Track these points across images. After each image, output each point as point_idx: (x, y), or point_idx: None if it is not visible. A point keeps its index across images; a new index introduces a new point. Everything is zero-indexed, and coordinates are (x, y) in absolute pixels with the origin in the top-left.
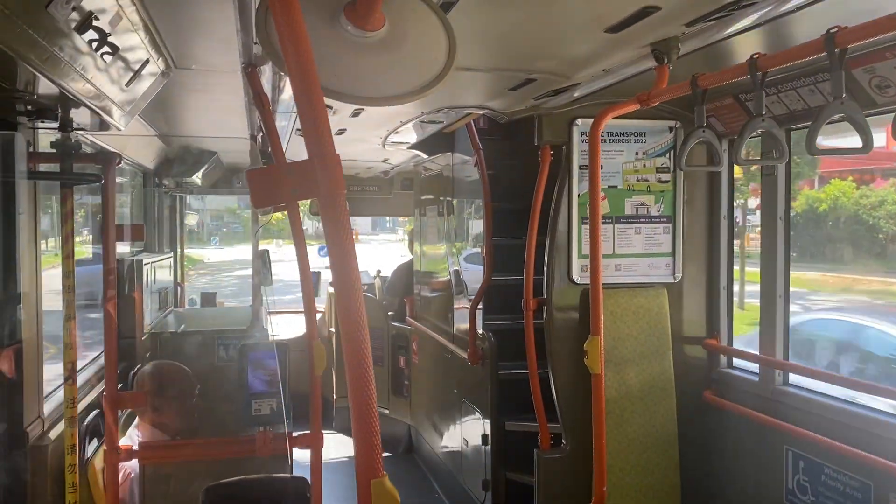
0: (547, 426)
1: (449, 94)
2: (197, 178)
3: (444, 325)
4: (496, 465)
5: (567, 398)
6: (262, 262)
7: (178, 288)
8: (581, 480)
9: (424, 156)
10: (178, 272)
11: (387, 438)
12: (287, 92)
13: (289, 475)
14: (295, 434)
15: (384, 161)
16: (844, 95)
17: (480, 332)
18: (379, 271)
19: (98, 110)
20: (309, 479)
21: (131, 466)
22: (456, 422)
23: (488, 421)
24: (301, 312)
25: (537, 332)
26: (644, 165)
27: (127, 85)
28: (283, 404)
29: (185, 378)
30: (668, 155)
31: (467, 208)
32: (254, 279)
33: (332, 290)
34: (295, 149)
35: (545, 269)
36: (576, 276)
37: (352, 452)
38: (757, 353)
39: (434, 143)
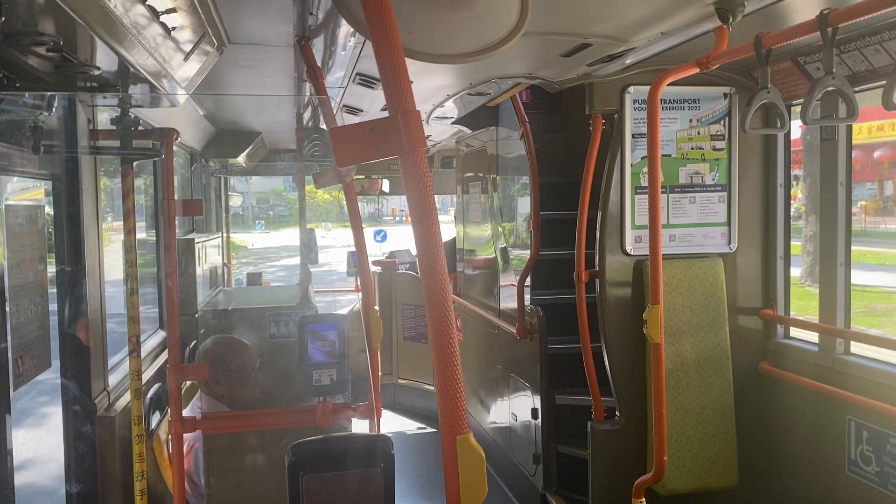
0: (601, 398)
1: (497, 63)
2: (241, 158)
3: (491, 301)
4: (547, 439)
5: (620, 371)
6: (308, 241)
7: (226, 268)
8: (634, 452)
9: (467, 131)
10: (225, 253)
11: (433, 415)
12: (337, 69)
13: (374, 433)
14: (354, 406)
15: (427, 137)
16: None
17: (529, 307)
18: None
19: (157, 85)
20: None
21: (194, 437)
22: (504, 397)
23: (538, 395)
24: (344, 291)
25: (590, 306)
26: (698, 133)
27: (185, 60)
28: (344, 374)
29: (246, 351)
30: (722, 122)
31: (512, 184)
32: (301, 259)
33: (376, 268)
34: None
35: (597, 240)
36: (629, 248)
37: (398, 428)
38: (816, 321)
39: (478, 118)
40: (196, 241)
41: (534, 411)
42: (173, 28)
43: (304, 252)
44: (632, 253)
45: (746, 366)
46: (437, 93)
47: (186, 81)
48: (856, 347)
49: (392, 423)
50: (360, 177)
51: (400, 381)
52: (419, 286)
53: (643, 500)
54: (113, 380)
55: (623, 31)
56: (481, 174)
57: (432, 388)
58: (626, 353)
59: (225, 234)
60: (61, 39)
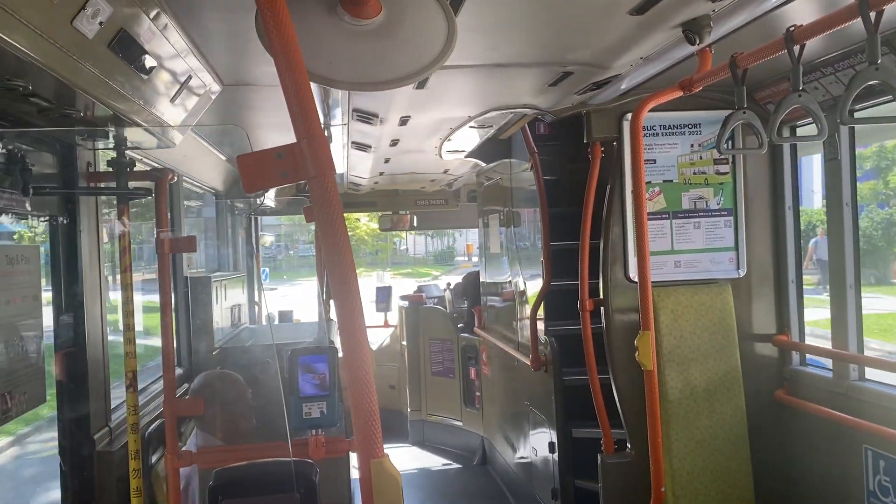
0: (610, 430)
1: (491, 94)
2: (268, 199)
3: (510, 333)
4: (564, 473)
5: (629, 401)
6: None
7: (256, 306)
8: (646, 485)
9: (483, 164)
10: (256, 291)
11: (461, 451)
12: (335, 106)
13: (296, 458)
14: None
15: (445, 172)
16: (880, 60)
17: (542, 338)
18: (449, 284)
19: (148, 128)
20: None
21: (191, 472)
22: (525, 431)
23: (554, 429)
24: (371, 327)
25: (597, 336)
26: (700, 157)
27: (173, 101)
28: (335, 406)
29: (238, 384)
30: (729, 142)
31: (526, 216)
32: (323, 294)
33: (403, 303)
34: (353, 162)
35: (600, 268)
36: (633, 275)
37: (425, 464)
38: (829, 347)
39: (491, 151)
40: (214, 278)
41: (551, 445)
42: (152, 71)
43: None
44: (636, 280)
45: (761, 394)
46: (440, 126)
47: (180, 121)
48: (873, 374)
49: (417, 461)
50: (388, 212)
51: (429, 417)
52: (446, 320)
53: None
54: (118, 416)
55: (600, 56)
56: (499, 207)
57: (461, 423)
58: (634, 383)
59: (256, 271)
60: (53, 99)
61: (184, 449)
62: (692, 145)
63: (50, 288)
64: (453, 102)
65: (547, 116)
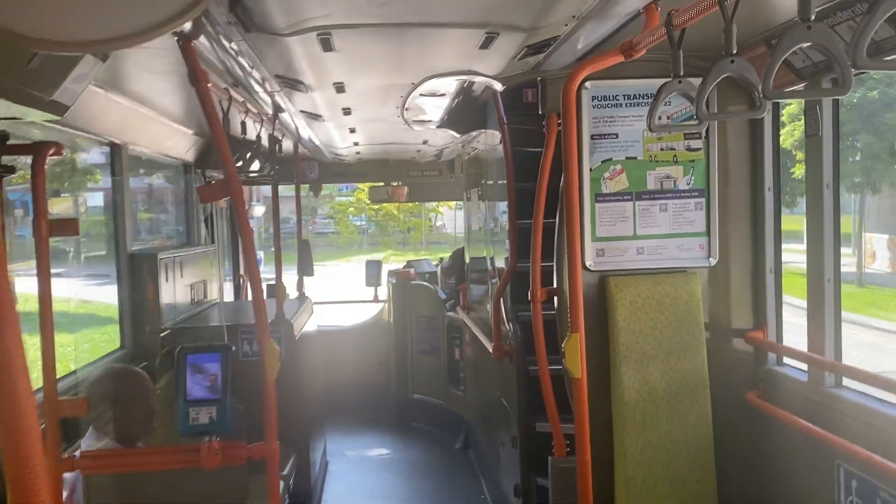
0: (560, 431)
1: (421, 58)
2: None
3: (485, 315)
4: (526, 470)
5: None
6: (303, 252)
7: (241, 280)
8: (601, 492)
9: (457, 135)
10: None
11: (444, 433)
12: (258, 72)
13: None
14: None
15: (425, 143)
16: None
17: (507, 324)
18: (441, 259)
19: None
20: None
21: (76, 478)
22: (495, 421)
23: (517, 422)
24: (347, 303)
25: (551, 325)
26: (669, 132)
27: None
28: (227, 411)
29: (139, 382)
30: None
31: (501, 191)
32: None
33: (392, 279)
34: (317, 132)
35: (554, 254)
36: (590, 262)
37: (408, 446)
38: (805, 350)
39: (466, 121)
40: (161, 255)
41: (513, 439)
42: None
43: (300, 265)
44: (593, 268)
45: (731, 397)
46: (386, 94)
47: (59, 91)
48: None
49: (402, 441)
50: (380, 184)
51: (414, 395)
52: (435, 298)
53: None
54: None
55: (524, 17)
56: (478, 180)
57: (445, 404)
58: (588, 380)
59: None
60: None
61: (65, 456)
62: (660, 118)
63: None
64: (383, 67)
65: (492, 83)
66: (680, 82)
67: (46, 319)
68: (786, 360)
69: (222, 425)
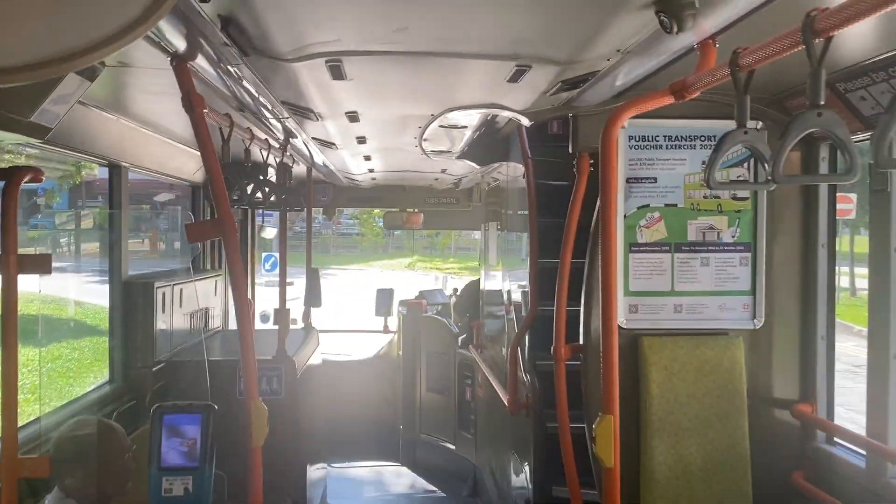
0: (580, 497)
1: (441, 89)
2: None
3: (499, 359)
4: None
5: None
6: (311, 281)
7: (249, 304)
8: None
9: (477, 167)
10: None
11: (452, 477)
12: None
13: None
14: None
15: (443, 171)
16: None
17: (523, 376)
18: (455, 290)
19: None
20: None
21: None
22: (508, 476)
23: (531, 485)
24: (355, 332)
25: (572, 374)
26: (734, 192)
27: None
28: (205, 483)
29: (114, 437)
30: (746, 165)
31: (523, 226)
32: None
33: (402, 310)
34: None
35: (581, 307)
36: (620, 319)
37: (414, 489)
38: (864, 433)
39: (487, 153)
40: (158, 284)
41: (527, 502)
42: None
43: (308, 295)
44: (624, 326)
45: (774, 476)
46: (404, 124)
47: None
48: None
49: (408, 484)
50: (394, 209)
51: (422, 436)
52: (448, 332)
53: None
54: None
55: (560, 50)
56: (497, 212)
57: (454, 447)
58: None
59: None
60: None
61: None
62: (704, 162)
63: None
64: (399, 98)
65: (519, 117)
66: (746, 132)
67: (10, 365)
68: (838, 438)
69: (199, 498)
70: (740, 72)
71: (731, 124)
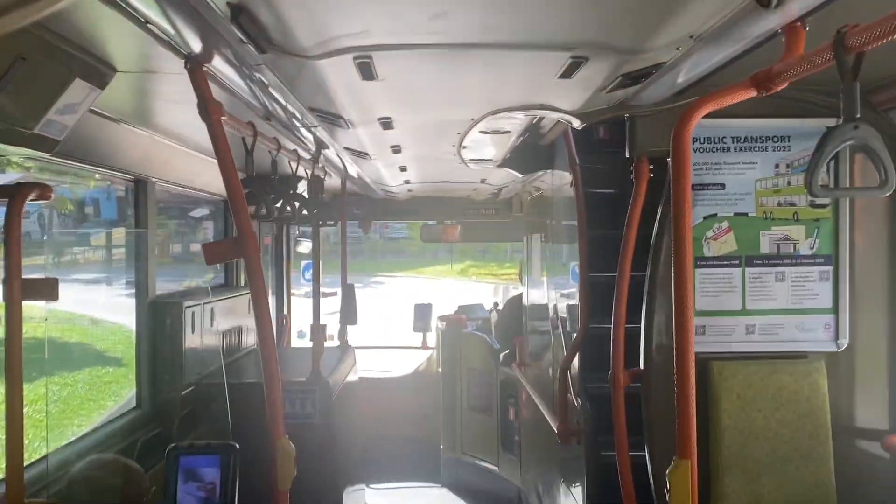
0: None
1: (481, 89)
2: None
3: (546, 379)
4: None
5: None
6: (347, 297)
7: (283, 321)
8: None
9: (519, 175)
10: (286, 306)
11: (495, 501)
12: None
13: None
14: None
15: (482, 182)
16: None
17: (574, 400)
18: (496, 304)
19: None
20: None
21: None
22: (557, 503)
23: None
24: (392, 348)
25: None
26: (789, 183)
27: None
28: None
29: (131, 480)
30: (827, 168)
31: (570, 237)
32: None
33: (441, 325)
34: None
35: (642, 327)
36: None
37: None
38: None
39: (529, 161)
40: (188, 303)
41: None
42: None
43: (344, 312)
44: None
45: None
46: (443, 131)
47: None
48: None
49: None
50: (431, 222)
51: (464, 456)
52: (489, 349)
53: None
54: None
55: (622, 36)
56: (541, 223)
57: (497, 468)
58: None
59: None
60: None
61: None
62: (777, 166)
63: None
64: (437, 101)
65: (568, 119)
66: (856, 127)
67: (15, 399)
68: None
69: None
70: (847, 54)
71: (804, 122)
